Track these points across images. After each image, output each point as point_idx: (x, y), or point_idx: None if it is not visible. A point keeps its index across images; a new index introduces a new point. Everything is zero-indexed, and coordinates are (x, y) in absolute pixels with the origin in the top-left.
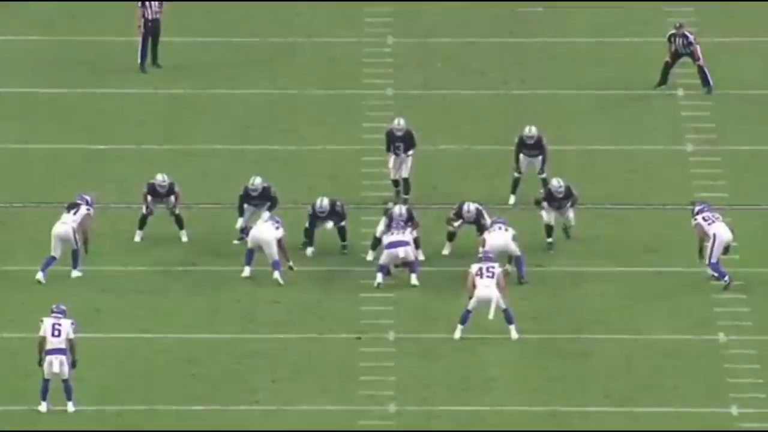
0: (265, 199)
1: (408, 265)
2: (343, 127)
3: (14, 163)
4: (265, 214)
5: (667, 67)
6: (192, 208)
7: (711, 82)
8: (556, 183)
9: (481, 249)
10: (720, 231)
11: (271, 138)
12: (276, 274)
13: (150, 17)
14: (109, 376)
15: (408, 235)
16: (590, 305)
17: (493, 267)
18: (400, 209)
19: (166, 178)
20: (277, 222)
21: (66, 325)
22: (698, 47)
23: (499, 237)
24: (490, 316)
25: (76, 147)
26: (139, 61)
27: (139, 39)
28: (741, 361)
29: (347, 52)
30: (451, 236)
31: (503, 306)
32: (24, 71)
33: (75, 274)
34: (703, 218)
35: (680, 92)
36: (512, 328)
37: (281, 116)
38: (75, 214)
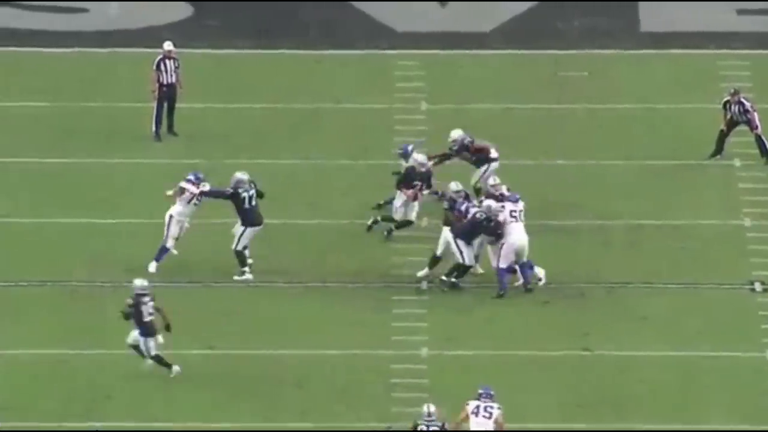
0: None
1: None
2: (372, 199)
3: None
4: None
5: (723, 136)
6: (211, 287)
7: None
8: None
9: (478, 392)
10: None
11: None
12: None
13: (166, 81)
14: None
15: None
16: (639, 391)
17: (491, 407)
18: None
19: None
20: None
21: None
22: (756, 114)
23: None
24: None
25: (85, 221)
26: (153, 128)
27: (154, 105)
28: None
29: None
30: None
31: None
32: (30, 139)
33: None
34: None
35: (737, 162)
36: None
37: (306, 187)
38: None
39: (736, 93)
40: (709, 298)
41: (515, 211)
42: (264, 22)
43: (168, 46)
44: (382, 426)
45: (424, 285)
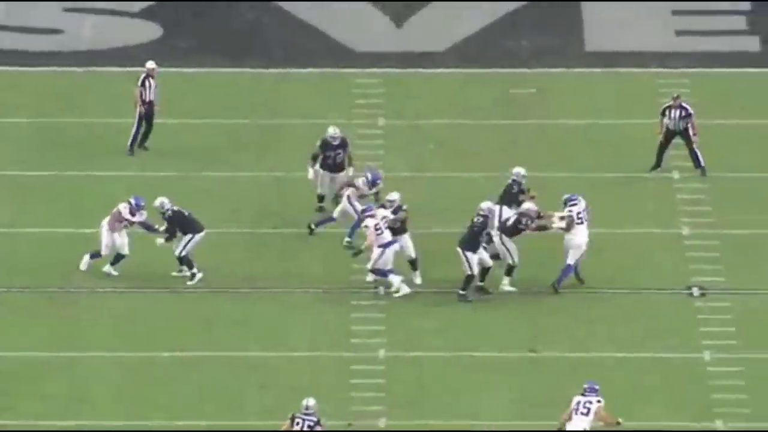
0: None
1: None
2: (330, 208)
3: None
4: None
5: (662, 149)
6: (181, 293)
7: (703, 163)
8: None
9: (584, 387)
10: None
11: (259, 221)
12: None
13: (147, 99)
14: None
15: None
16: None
17: (590, 403)
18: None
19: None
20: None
21: None
22: (694, 121)
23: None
24: None
25: (64, 231)
26: (129, 143)
27: (135, 120)
28: None
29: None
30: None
31: None
32: (11, 153)
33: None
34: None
35: (675, 175)
36: None
37: (270, 198)
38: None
39: (677, 98)
40: (651, 302)
41: (580, 212)
42: (230, 43)
43: (151, 65)
44: (343, 424)
45: (381, 290)
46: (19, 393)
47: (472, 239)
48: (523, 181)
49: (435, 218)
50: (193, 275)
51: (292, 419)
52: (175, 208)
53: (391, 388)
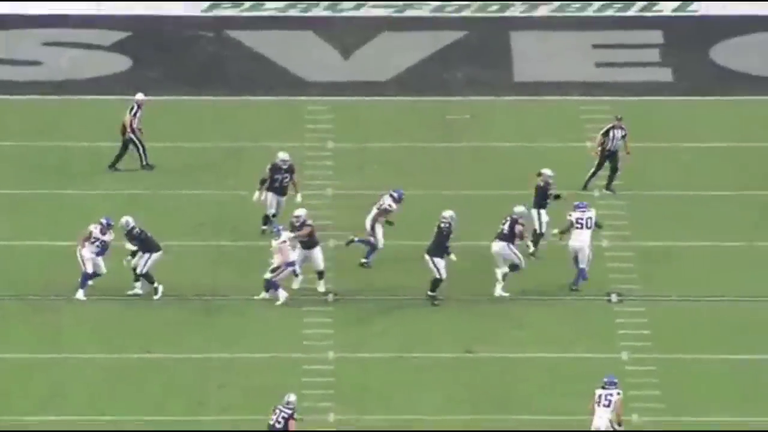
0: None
1: None
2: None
3: None
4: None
5: (599, 167)
6: (149, 300)
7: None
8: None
9: (604, 380)
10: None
11: (221, 234)
12: None
13: (137, 126)
14: None
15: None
16: (519, 388)
17: (611, 395)
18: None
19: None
20: None
21: None
22: (627, 141)
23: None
24: None
25: (43, 244)
26: (144, 161)
27: (137, 142)
28: None
29: (291, 155)
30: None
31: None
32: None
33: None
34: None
35: (596, 193)
36: None
37: (231, 214)
38: None
39: (620, 119)
40: (575, 308)
41: (581, 218)
42: (193, 74)
43: (140, 96)
44: (296, 418)
45: (330, 297)
46: (4, 391)
47: (439, 246)
48: (551, 181)
49: (388, 231)
50: (156, 290)
51: (273, 410)
52: (138, 229)
53: (339, 386)
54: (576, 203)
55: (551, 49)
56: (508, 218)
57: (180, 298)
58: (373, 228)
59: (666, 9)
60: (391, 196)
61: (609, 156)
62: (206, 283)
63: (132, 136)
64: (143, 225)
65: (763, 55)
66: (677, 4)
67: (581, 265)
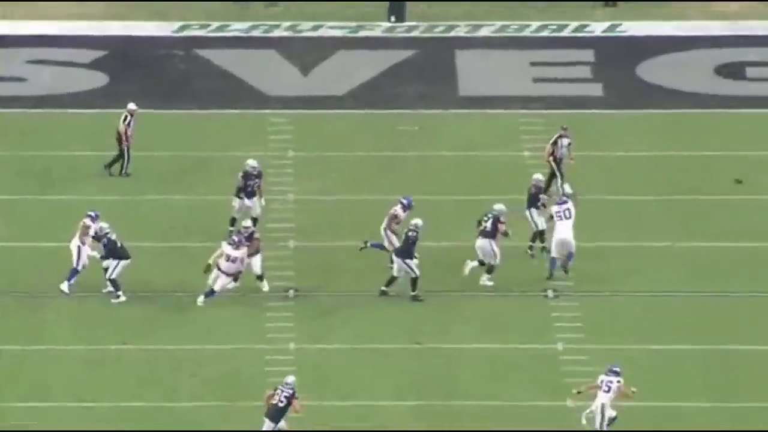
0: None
1: None
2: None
3: None
4: None
5: (554, 174)
6: (126, 296)
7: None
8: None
9: (607, 367)
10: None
11: (191, 237)
12: None
13: (131, 133)
14: None
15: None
16: (463, 377)
17: (611, 382)
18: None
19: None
20: None
21: None
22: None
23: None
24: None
25: (28, 245)
26: (127, 169)
27: (127, 151)
28: None
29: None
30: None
31: (609, 415)
32: None
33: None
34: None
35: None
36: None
37: (202, 218)
38: None
39: (566, 129)
40: (515, 303)
41: (560, 211)
42: (166, 89)
43: (132, 106)
44: (259, 403)
45: (291, 294)
46: None
47: (407, 249)
48: (542, 185)
49: (338, 234)
50: (118, 296)
51: (275, 389)
52: (112, 237)
53: (300, 374)
54: (558, 198)
55: (493, 66)
56: (491, 216)
57: (154, 295)
58: (386, 234)
59: (597, 30)
60: (401, 203)
61: (558, 162)
62: (177, 281)
63: (126, 143)
64: (118, 232)
65: (684, 71)
66: (607, 25)
67: (554, 254)
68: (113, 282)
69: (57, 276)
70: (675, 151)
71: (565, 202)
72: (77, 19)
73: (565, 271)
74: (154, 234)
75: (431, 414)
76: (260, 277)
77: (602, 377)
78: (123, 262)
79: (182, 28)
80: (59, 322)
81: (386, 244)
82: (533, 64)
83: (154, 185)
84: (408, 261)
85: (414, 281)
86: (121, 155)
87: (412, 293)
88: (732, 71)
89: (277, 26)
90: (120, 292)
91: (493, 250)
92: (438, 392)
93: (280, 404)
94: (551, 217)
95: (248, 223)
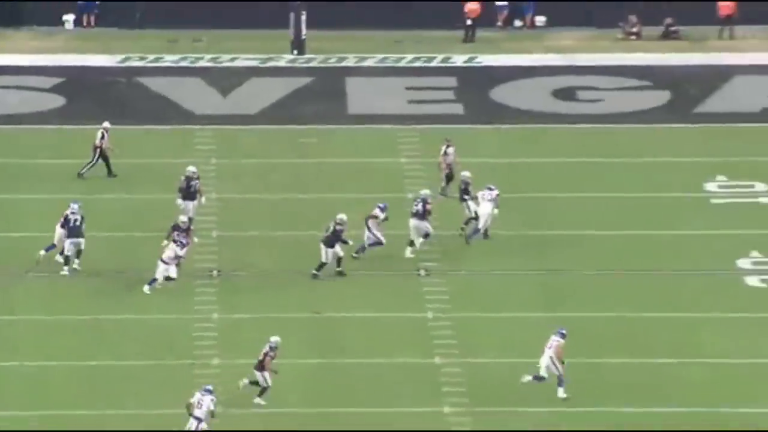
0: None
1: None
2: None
3: None
4: None
5: (449, 179)
6: (80, 275)
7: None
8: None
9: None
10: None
11: (135, 228)
12: None
13: (105, 146)
14: None
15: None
16: (351, 342)
17: (555, 341)
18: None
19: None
20: None
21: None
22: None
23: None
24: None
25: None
26: (83, 171)
27: (92, 158)
28: None
29: (184, 169)
30: None
31: (556, 372)
32: None
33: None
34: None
35: (409, 195)
36: (560, 389)
37: (141, 214)
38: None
39: (449, 140)
40: (394, 280)
41: (485, 194)
42: (111, 108)
43: (106, 124)
44: (187, 363)
45: (215, 273)
46: None
47: (330, 239)
48: (470, 182)
49: (253, 225)
50: (66, 269)
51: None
52: (75, 219)
53: (220, 339)
54: (487, 186)
55: (375, 90)
56: (420, 200)
57: (105, 274)
58: (369, 229)
59: (458, 61)
60: (378, 207)
61: (449, 168)
62: (124, 264)
63: (97, 153)
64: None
65: (527, 94)
66: (466, 57)
67: (479, 226)
68: (66, 258)
69: (25, 258)
70: (520, 158)
71: (490, 190)
72: (40, 53)
73: (485, 236)
74: (103, 225)
75: (326, 369)
76: (178, 266)
77: (552, 336)
78: (76, 241)
79: (124, 60)
80: (27, 297)
81: (367, 236)
82: (408, 88)
83: (102, 186)
84: (329, 249)
85: (321, 265)
86: (105, 160)
87: (338, 269)
88: (565, 94)
89: (201, 58)
90: (66, 268)
91: (426, 226)
92: (332, 352)
93: (260, 359)
94: (476, 198)
95: (185, 219)
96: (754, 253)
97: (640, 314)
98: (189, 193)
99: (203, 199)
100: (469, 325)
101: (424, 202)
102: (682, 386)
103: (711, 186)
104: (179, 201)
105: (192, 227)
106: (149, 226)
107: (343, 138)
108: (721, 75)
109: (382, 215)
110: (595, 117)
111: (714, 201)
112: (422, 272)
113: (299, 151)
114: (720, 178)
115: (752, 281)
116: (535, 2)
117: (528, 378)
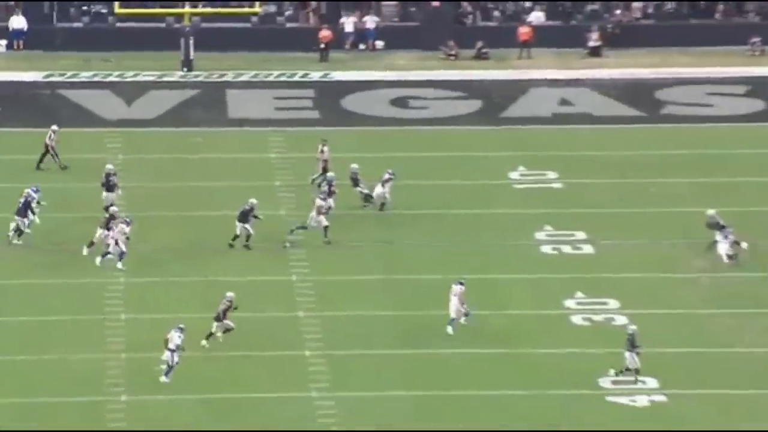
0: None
1: None
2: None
3: None
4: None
5: (322, 174)
6: (41, 249)
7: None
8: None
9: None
10: None
11: (66, 211)
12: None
13: (53, 144)
14: None
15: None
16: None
17: (457, 288)
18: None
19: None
20: None
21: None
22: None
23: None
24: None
25: None
26: (37, 165)
27: (52, 154)
28: None
29: (96, 164)
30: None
31: (464, 311)
32: None
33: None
34: None
35: (309, 180)
36: (463, 320)
37: (70, 201)
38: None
39: (325, 141)
40: (269, 255)
41: (384, 176)
42: (39, 116)
43: (55, 127)
44: (100, 318)
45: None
46: None
47: (244, 217)
48: (358, 172)
49: (155, 208)
50: (11, 237)
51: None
52: (30, 200)
53: (129, 311)
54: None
55: (250, 99)
56: (326, 182)
57: (44, 248)
58: (316, 214)
59: (315, 76)
60: (320, 197)
61: (324, 167)
62: (59, 240)
63: (50, 151)
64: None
65: (371, 103)
66: (322, 73)
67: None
68: (21, 232)
69: None
70: (365, 154)
71: (388, 174)
72: None
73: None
74: (44, 210)
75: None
76: (121, 256)
77: (453, 286)
78: (25, 219)
79: (48, 76)
80: (8, 269)
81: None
82: (275, 98)
83: (31, 178)
84: (244, 224)
85: (235, 237)
86: (44, 155)
87: (229, 242)
88: (400, 103)
89: (110, 74)
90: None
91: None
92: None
93: (221, 308)
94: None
95: (115, 208)
96: (548, 227)
97: (463, 275)
98: (109, 186)
99: (119, 191)
100: (323, 287)
101: (330, 183)
102: (486, 332)
103: (514, 175)
104: (104, 194)
105: (116, 214)
106: (72, 209)
107: (224, 138)
108: (521, 87)
109: (324, 204)
110: (423, 121)
111: (516, 186)
112: (288, 245)
113: (189, 148)
114: (521, 168)
115: (546, 249)
116: (375, 30)
117: (450, 329)
